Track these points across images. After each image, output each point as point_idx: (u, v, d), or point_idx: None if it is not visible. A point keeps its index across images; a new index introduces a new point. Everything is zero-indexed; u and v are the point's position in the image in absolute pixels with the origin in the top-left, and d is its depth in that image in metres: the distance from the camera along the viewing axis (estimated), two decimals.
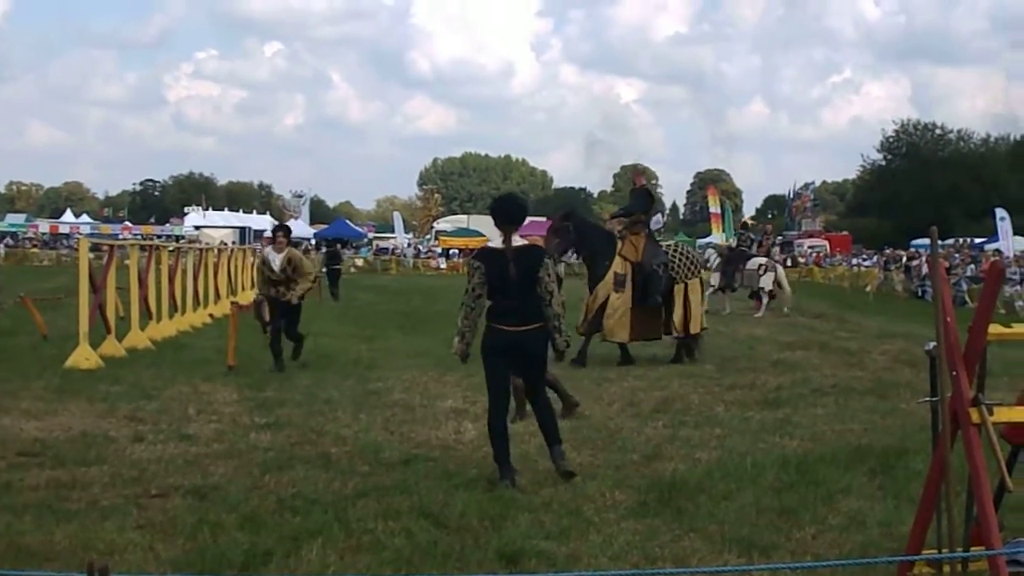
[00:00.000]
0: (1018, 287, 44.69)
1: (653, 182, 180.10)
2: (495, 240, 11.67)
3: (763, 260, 38.57)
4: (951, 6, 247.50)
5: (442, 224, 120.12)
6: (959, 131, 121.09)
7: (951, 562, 7.53)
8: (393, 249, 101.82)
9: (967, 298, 42.22)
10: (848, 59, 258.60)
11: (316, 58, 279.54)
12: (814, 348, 25.24)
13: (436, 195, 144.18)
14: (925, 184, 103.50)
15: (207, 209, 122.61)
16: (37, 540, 8.81)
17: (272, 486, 10.84)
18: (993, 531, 7.00)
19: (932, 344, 7.52)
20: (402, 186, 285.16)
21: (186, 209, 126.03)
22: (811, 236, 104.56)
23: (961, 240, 72.51)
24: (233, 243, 69.67)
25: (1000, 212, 62.17)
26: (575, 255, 24.35)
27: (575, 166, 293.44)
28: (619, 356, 21.97)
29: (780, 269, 38.90)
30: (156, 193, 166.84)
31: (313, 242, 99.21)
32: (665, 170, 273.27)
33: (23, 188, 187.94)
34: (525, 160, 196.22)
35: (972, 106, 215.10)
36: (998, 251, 57.72)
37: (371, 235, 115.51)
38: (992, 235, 68.02)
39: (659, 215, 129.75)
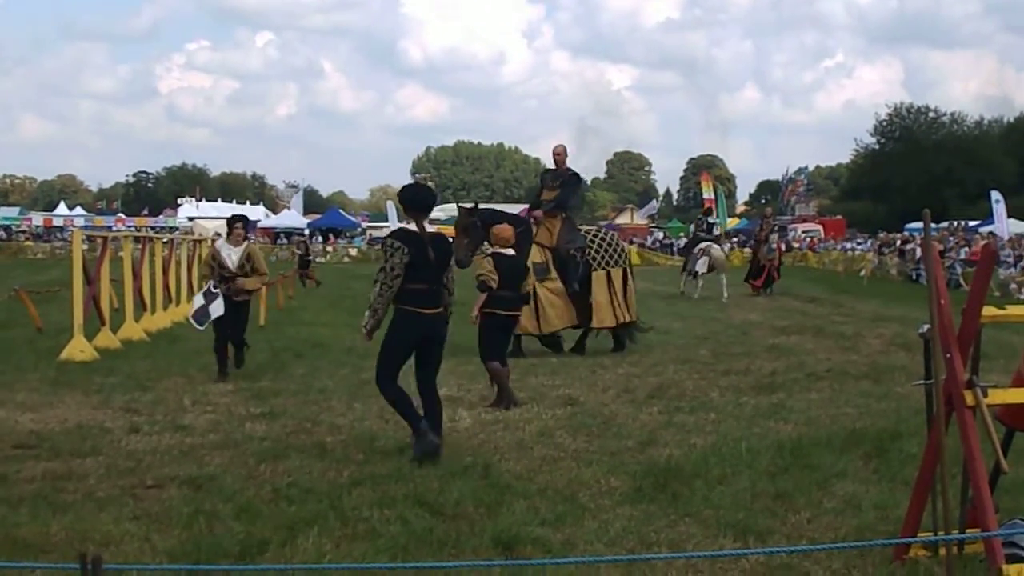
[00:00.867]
0: (1012, 269, 44.77)
1: (646, 168, 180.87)
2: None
3: (704, 245, 39.19)
4: None
5: (436, 213, 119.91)
6: (952, 114, 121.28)
7: (947, 544, 7.55)
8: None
9: (961, 281, 42.29)
10: (840, 43, 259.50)
11: (308, 48, 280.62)
12: (808, 333, 25.28)
13: (429, 183, 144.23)
14: (919, 167, 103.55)
15: (200, 200, 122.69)
16: (33, 532, 8.80)
17: (268, 475, 10.85)
18: (989, 513, 7.01)
19: (926, 327, 7.53)
20: (395, 175, 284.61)
21: (180, 200, 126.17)
22: (805, 221, 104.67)
23: (956, 223, 72.64)
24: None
25: (995, 195, 62.08)
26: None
27: (568, 153, 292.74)
28: (543, 344, 21.58)
29: (715, 252, 39.26)
30: (149, 185, 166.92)
31: (307, 232, 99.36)
32: (658, 156, 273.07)
33: (16, 181, 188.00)
34: (518, 148, 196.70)
35: (965, 89, 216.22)
36: (992, 234, 57.71)
37: (365, 224, 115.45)
38: (987, 218, 68.07)
39: (653, 201, 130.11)
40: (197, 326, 17.76)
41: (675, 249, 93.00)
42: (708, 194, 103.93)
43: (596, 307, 21.46)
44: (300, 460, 11.48)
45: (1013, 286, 41.97)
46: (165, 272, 27.56)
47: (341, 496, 9.90)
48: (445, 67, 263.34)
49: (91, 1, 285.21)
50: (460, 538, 8.67)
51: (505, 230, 16.15)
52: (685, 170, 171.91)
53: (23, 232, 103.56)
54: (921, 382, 7.97)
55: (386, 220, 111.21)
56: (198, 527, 8.94)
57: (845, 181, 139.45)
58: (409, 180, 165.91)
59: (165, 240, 30.86)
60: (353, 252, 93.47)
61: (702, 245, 39.24)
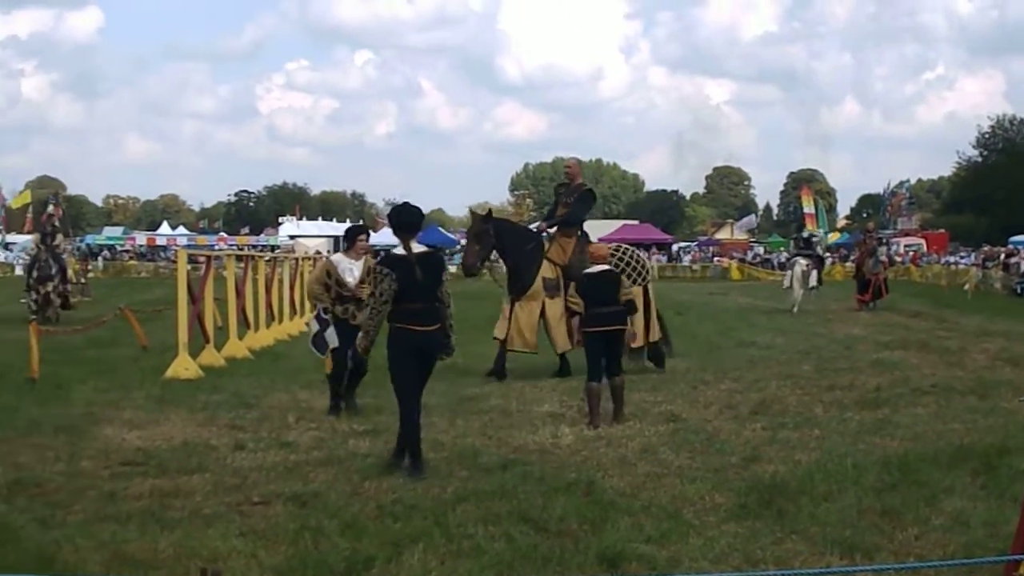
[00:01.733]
0: None
1: (745, 183, 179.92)
2: (399, 248, 12.32)
3: (791, 260, 39.51)
4: None
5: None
6: None
7: None
8: None
9: None
10: (941, 55, 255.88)
11: (406, 66, 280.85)
12: (913, 347, 25.01)
13: (528, 200, 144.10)
14: (1022, 180, 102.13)
15: (301, 219, 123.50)
16: (142, 548, 8.91)
17: (372, 492, 10.91)
18: None
19: None
20: (494, 192, 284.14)
21: (280, 219, 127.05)
22: (907, 235, 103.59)
23: None
24: (327, 252, 70.00)
25: None
26: (498, 260, 22.39)
27: (667, 168, 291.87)
28: (558, 366, 20.59)
29: (795, 269, 39.36)
30: (250, 204, 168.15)
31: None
32: (757, 170, 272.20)
33: (120, 201, 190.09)
34: (616, 164, 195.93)
35: None
36: None
37: (464, 242, 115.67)
38: None
39: (752, 216, 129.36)
40: (318, 353, 16.78)
41: (775, 264, 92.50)
42: (808, 208, 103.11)
43: (648, 324, 20.70)
44: (404, 477, 11.52)
45: None
46: (268, 290, 27.78)
47: (445, 513, 9.93)
48: (543, 84, 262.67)
49: (193, 22, 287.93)
50: (565, 555, 8.68)
51: (601, 248, 16.48)
52: (785, 184, 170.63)
53: (127, 252, 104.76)
54: None
55: None
56: (304, 543, 9.00)
57: (947, 194, 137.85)
58: (507, 196, 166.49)
59: (267, 259, 31.08)
60: (453, 269, 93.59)
61: (792, 260, 39.49)
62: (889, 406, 16.26)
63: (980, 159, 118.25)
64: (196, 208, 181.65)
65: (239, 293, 24.93)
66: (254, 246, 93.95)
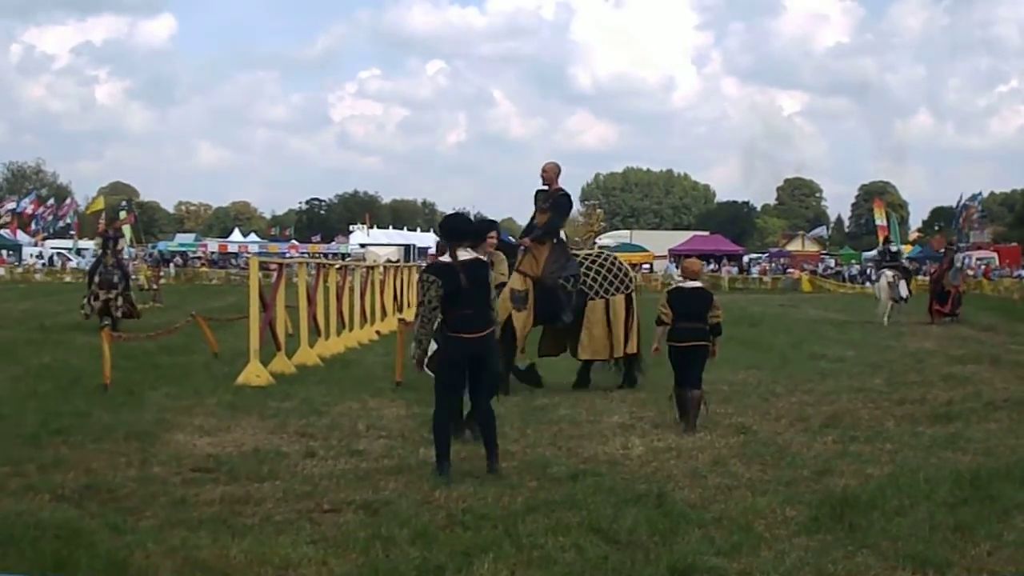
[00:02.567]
0: None
1: (817, 194, 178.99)
2: (461, 254, 12.42)
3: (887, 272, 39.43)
4: None
5: (605, 239, 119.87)
6: None
7: None
8: None
9: None
10: (1015, 68, 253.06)
11: (478, 76, 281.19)
12: (985, 361, 24.80)
13: (598, 210, 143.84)
14: None
15: (371, 227, 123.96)
16: (213, 555, 8.96)
17: (442, 501, 10.91)
18: None
19: None
20: None
21: (351, 227, 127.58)
22: (979, 248, 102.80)
23: None
24: (398, 260, 70.26)
25: None
26: None
27: (738, 180, 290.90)
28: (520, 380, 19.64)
29: (882, 280, 39.41)
30: (322, 211, 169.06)
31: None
32: (829, 182, 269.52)
33: (192, 208, 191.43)
34: (687, 174, 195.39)
35: None
36: None
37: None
38: None
39: (823, 227, 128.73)
40: (431, 374, 14.56)
41: (846, 276, 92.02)
42: (881, 221, 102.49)
43: (588, 338, 19.74)
44: (474, 486, 11.53)
45: None
46: (339, 298, 27.83)
47: (515, 523, 9.92)
48: (614, 94, 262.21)
49: (266, 30, 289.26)
50: (635, 566, 8.66)
51: (694, 263, 16.40)
52: (856, 196, 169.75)
53: (199, 258, 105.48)
54: None
55: None
56: (375, 552, 9.02)
57: (1020, 207, 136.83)
58: (578, 207, 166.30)
59: (339, 267, 31.16)
60: None
61: (879, 273, 39.58)
62: (961, 420, 16.14)
63: None
64: (267, 215, 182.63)
65: (310, 301, 24.99)
66: (325, 254, 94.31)
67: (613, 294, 19.98)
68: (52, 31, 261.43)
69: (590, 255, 21.02)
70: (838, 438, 14.67)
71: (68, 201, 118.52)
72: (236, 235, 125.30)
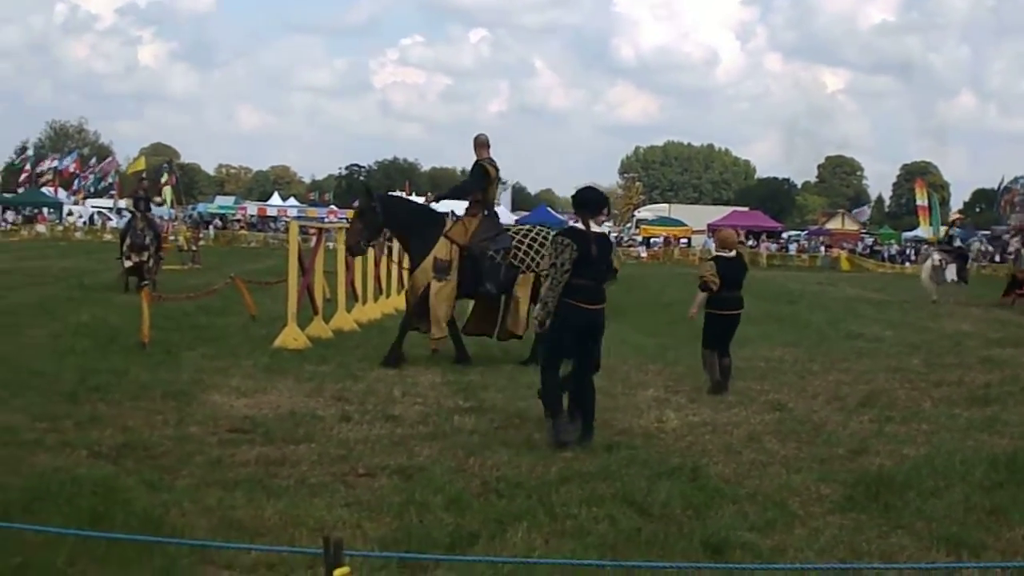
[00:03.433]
0: None
1: (858, 173, 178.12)
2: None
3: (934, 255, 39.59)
4: None
5: (643, 213, 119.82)
6: None
7: None
8: None
9: None
10: None
11: (520, 45, 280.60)
12: (1023, 345, 24.71)
13: (637, 183, 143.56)
14: None
15: (410, 194, 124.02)
16: (248, 515, 9.01)
17: (477, 469, 10.95)
18: None
19: None
20: (603, 174, 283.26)
21: (390, 194, 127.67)
22: (1021, 231, 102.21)
23: None
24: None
25: None
26: (390, 239, 21.00)
27: (778, 156, 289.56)
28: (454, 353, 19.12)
29: (927, 262, 39.67)
30: (361, 178, 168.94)
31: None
32: (870, 161, 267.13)
33: (232, 171, 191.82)
34: (728, 149, 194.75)
35: None
36: None
37: (572, 222, 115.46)
38: None
39: (865, 207, 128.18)
40: None
41: (885, 256, 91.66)
42: (922, 201, 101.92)
43: (515, 316, 19.28)
44: (508, 455, 11.56)
45: None
46: (377, 264, 27.83)
47: (549, 492, 9.95)
48: (656, 67, 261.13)
49: None
50: (668, 539, 8.67)
51: (730, 234, 16.47)
52: (898, 176, 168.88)
53: (238, 221, 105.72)
54: None
55: None
56: (409, 517, 9.05)
57: None
58: (617, 179, 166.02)
59: None
60: None
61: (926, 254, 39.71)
62: (999, 403, 16.08)
63: None
64: (307, 180, 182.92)
65: (348, 266, 25.00)
66: None
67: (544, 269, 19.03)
68: None
69: (521, 229, 20.34)
70: (874, 417, 14.64)
71: (110, 160, 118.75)
72: (275, 199, 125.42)
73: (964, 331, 28.50)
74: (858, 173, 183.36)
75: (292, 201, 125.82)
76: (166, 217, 71.65)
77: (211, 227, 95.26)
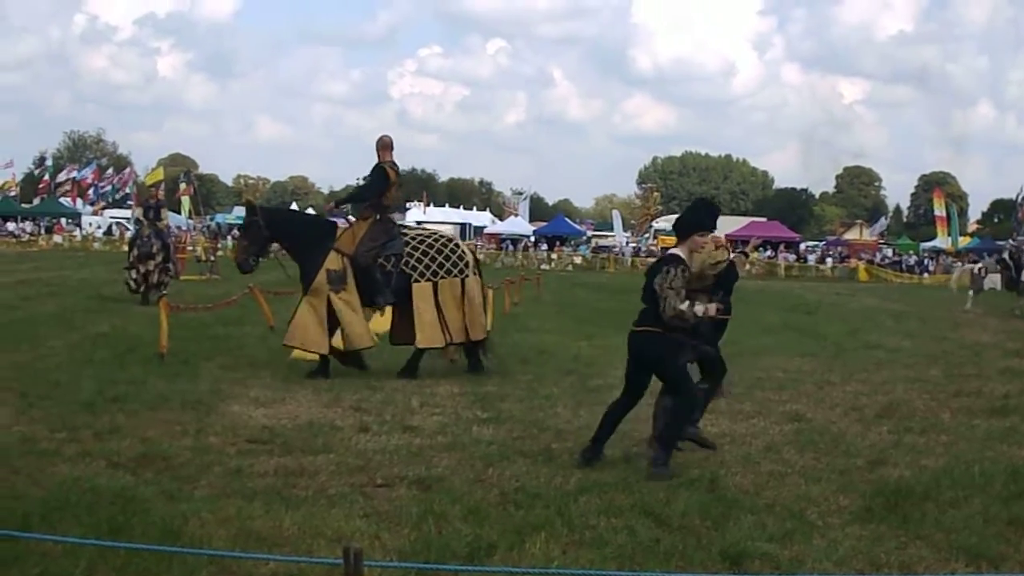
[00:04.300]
0: None
1: (876, 183, 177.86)
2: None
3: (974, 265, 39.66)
4: None
5: (661, 223, 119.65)
6: None
7: None
8: (612, 247, 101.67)
9: None
10: None
11: (538, 56, 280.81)
12: None
13: (655, 194, 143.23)
14: None
15: (428, 205, 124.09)
16: (266, 525, 9.01)
17: (495, 479, 10.95)
18: None
19: None
20: (621, 184, 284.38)
21: (407, 204, 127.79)
22: None
23: None
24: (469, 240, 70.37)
25: None
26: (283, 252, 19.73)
27: (796, 167, 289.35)
28: (344, 363, 18.48)
29: (956, 270, 39.68)
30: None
31: (532, 239, 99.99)
32: (888, 171, 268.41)
33: (250, 181, 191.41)
34: (746, 160, 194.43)
35: None
36: None
37: (590, 233, 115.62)
38: None
39: (883, 219, 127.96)
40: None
41: (904, 266, 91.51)
42: (940, 212, 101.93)
43: (419, 325, 18.39)
44: (527, 465, 11.57)
45: None
46: None
47: (568, 503, 9.94)
48: (674, 77, 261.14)
49: (328, 6, 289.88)
50: (687, 550, 8.65)
51: (718, 240, 16.61)
52: (916, 186, 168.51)
53: None
54: None
55: (611, 229, 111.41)
56: (427, 527, 9.04)
57: None
58: (635, 190, 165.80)
59: None
60: (578, 260, 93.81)
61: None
62: (1018, 414, 16.02)
63: None
64: (325, 190, 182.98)
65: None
66: None
67: (443, 277, 18.57)
68: (116, 2, 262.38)
69: (419, 235, 19.44)
70: (893, 428, 14.60)
71: (128, 171, 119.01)
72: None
73: (983, 342, 28.45)
74: (876, 184, 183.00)
75: (310, 211, 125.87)
76: (184, 227, 71.72)
77: (229, 237, 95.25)
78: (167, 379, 16.33)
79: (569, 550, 8.60)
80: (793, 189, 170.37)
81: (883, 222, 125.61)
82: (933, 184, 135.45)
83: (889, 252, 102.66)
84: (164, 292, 29.00)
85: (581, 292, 48.81)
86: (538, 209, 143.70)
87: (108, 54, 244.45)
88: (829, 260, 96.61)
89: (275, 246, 19.09)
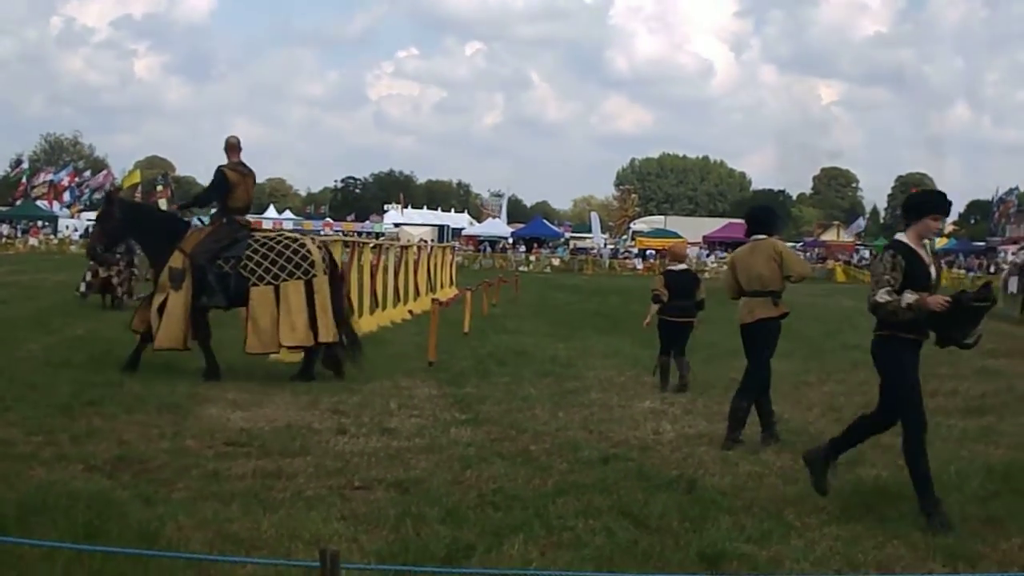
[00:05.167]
0: None
1: (853, 185, 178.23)
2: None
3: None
4: None
5: (639, 225, 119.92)
6: None
7: None
8: (590, 249, 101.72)
9: None
10: None
11: (515, 58, 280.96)
12: (1018, 356, 24.77)
13: (633, 195, 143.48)
14: None
15: (406, 207, 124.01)
16: (244, 528, 8.98)
17: (473, 481, 10.94)
18: None
19: None
20: (599, 186, 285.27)
21: (385, 206, 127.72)
22: (1015, 242, 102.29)
23: None
24: (432, 241, 70.29)
25: None
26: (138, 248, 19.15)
27: (773, 168, 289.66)
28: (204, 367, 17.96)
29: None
30: (357, 190, 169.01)
31: (510, 241, 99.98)
32: (865, 172, 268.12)
33: None
34: (723, 161, 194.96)
35: None
36: None
37: (568, 235, 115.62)
38: None
39: (860, 220, 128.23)
40: None
41: None
42: None
43: (252, 329, 18.05)
44: (505, 467, 11.56)
45: None
46: (373, 277, 27.85)
47: (546, 504, 9.94)
48: (651, 79, 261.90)
49: (305, 7, 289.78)
50: (665, 552, 8.66)
51: (680, 247, 17.57)
52: (893, 187, 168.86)
53: None
54: None
55: (589, 231, 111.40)
56: (405, 529, 9.03)
57: None
58: (613, 191, 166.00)
59: (373, 245, 31.18)
60: (556, 262, 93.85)
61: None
62: (994, 414, 16.11)
63: None
64: (303, 193, 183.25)
65: (344, 278, 24.95)
66: (359, 233, 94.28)
67: (285, 280, 18.06)
68: (92, 4, 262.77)
69: (269, 238, 19.11)
70: None
71: (104, 173, 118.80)
72: (271, 211, 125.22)
73: None
74: (853, 185, 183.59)
75: (288, 214, 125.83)
76: None
77: None
78: (144, 382, 16.28)
79: (547, 552, 8.59)
80: (770, 190, 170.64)
81: (860, 223, 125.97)
82: (910, 185, 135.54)
83: (866, 253, 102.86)
84: (142, 295, 28.95)
85: (559, 294, 48.82)
86: (516, 211, 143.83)
87: (85, 56, 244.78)
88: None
89: None
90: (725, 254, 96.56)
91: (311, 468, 11.34)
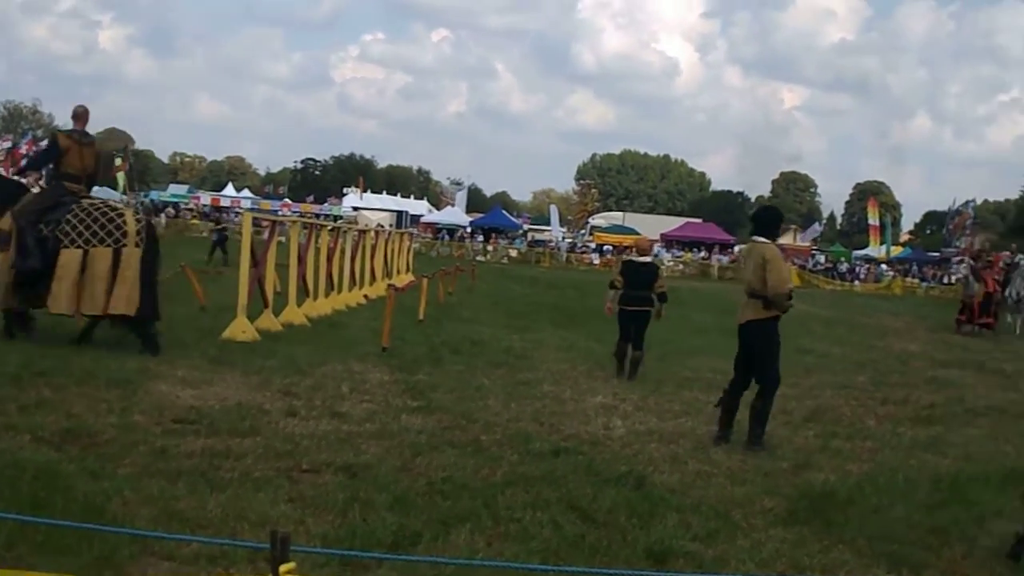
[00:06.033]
0: None
1: (811, 190, 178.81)
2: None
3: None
4: None
5: (597, 220, 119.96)
6: None
7: None
8: (548, 242, 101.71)
9: None
10: (1017, 78, 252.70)
11: (481, 47, 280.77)
12: (969, 368, 24.88)
13: (593, 190, 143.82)
14: None
15: (365, 191, 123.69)
16: (190, 506, 8.94)
17: (422, 469, 10.92)
18: None
19: None
20: (559, 179, 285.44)
21: (344, 190, 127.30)
22: (970, 256, 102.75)
23: None
24: (390, 226, 70.18)
25: None
26: None
27: (733, 169, 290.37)
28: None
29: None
30: (316, 172, 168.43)
31: (469, 230, 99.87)
32: (824, 178, 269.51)
33: (187, 159, 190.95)
34: (684, 160, 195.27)
35: None
36: None
37: (527, 226, 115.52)
38: None
39: (816, 225, 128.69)
40: None
41: (836, 273, 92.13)
42: (873, 220, 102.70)
43: (58, 289, 17.39)
44: (455, 456, 11.54)
45: None
46: (329, 259, 27.78)
47: (495, 495, 9.93)
48: (617, 75, 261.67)
49: None
50: (612, 547, 8.67)
51: (645, 241, 18.18)
52: (851, 194, 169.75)
53: (190, 210, 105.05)
54: None
55: (548, 223, 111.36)
56: (352, 514, 9.01)
57: (1012, 217, 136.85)
58: (573, 185, 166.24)
59: (331, 228, 31.10)
60: (513, 253, 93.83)
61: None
62: (943, 424, 16.21)
63: None
64: (262, 172, 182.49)
65: (301, 260, 24.90)
66: (317, 215, 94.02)
67: (95, 245, 17.62)
68: None
69: (92, 205, 18.32)
70: (819, 433, 14.74)
71: None
72: (229, 189, 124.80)
73: (911, 351, 28.71)
74: (811, 190, 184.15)
75: (246, 192, 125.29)
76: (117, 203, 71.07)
77: (163, 215, 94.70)
78: (94, 356, 16.15)
79: (494, 542, 8.59)
80: (729, 192, 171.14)
81: (816, 228, 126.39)
82: (868, 193, 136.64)
83: (822, 259, 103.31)
84: None
85: (516, 286, 48.77)
86: (475, 200, 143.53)
87: (48, 24, 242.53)
88: None
89: None
90: (681, 253, 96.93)
91: (260, 449, 11.27)
